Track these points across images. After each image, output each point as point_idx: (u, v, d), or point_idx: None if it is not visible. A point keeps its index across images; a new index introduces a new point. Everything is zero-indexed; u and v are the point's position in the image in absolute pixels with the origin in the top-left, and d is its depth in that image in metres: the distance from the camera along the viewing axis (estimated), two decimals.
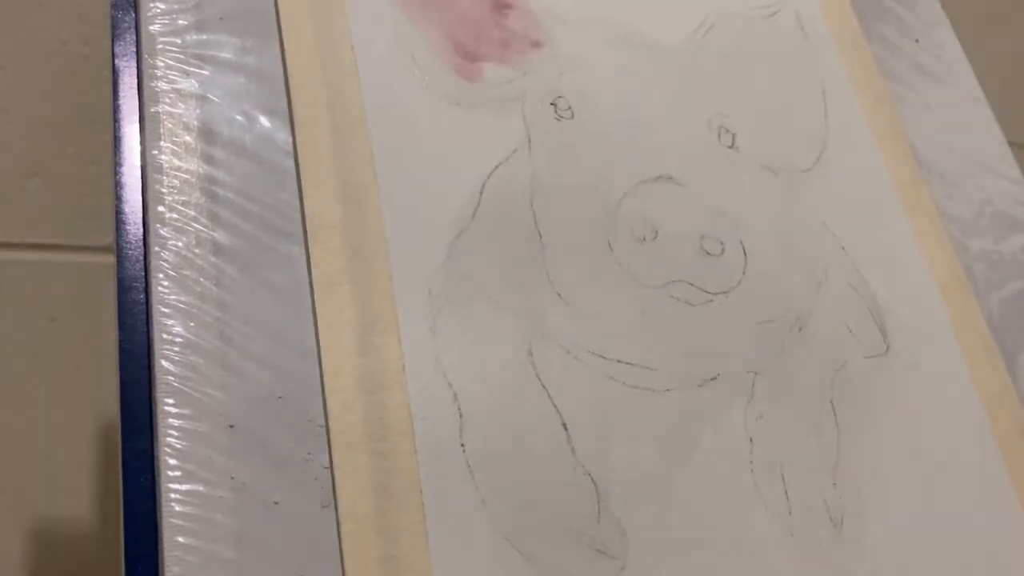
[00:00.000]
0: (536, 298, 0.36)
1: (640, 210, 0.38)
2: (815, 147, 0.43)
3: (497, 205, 0.37)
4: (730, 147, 0.41)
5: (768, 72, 0.44)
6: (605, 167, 0.39)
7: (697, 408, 0.36)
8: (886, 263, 0.41)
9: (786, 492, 0.35)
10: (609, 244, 0.38)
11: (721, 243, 0.39)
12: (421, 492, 0.32)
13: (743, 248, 0.39)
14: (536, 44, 0.41)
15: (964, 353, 0.40)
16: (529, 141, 0.39)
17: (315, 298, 0.34)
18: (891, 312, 0.40)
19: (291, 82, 0.37)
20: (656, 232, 0.38)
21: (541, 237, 0.37)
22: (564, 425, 0.34)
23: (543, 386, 0.34)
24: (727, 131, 0.41)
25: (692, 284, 0.38)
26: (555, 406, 0.34)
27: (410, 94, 0.38)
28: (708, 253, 0.38)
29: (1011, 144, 0.51)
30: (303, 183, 0.36)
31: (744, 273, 0.39)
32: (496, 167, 0.38)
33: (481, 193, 0.37)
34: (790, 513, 0.35)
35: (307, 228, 0.35)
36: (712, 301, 0.38)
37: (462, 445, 0.33)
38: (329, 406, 0.32)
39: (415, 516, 0.31)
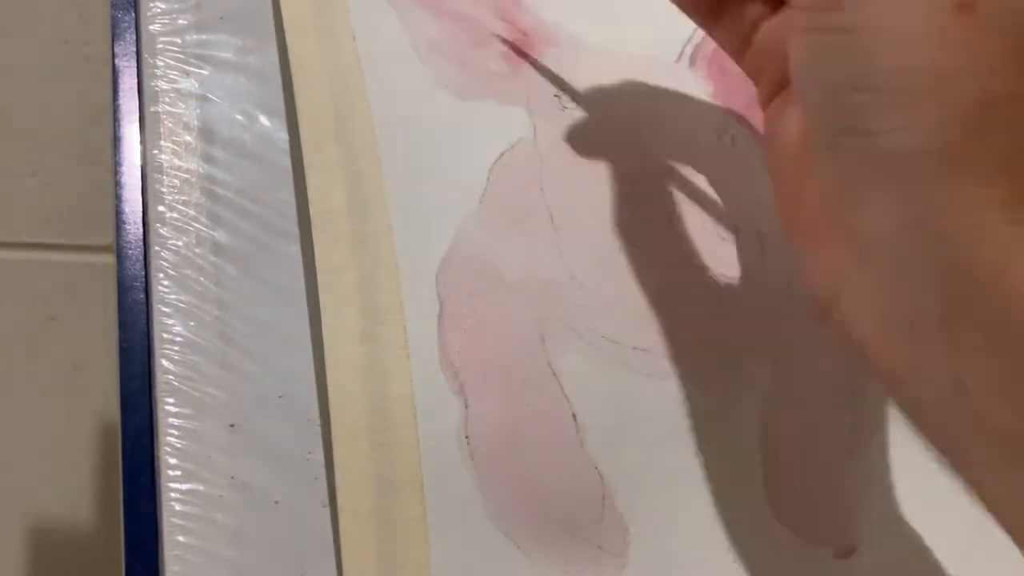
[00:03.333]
0: (550, 281, 0.35)
1: (652, 195, 0.38)
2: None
3: (505, 189, 0.37)
4: (731, 147, 0.41)
5: None
6: (613, 154, 0.39)
7: (714, 398, 0.35)
8: None
9: (795, 487, 0.35)
10: (622, 228, 0.37)
11: (736, 229, 0.38)
12: (423, 486, 0.31)
13: (758, 234, 0.39)
14: (539, 37, 0.41)
15: None
16: (535, 129, 0.39)
17: (318, 284, 0.34)
18: None
19: (294, 69, 0.37)
20: (669, 217, 0.38)
21: (553, 220, 0.37)
22: (574, 416, 0.34)
23: (554, 374, 0.34)
24: (727, 132, 0.40)
25: (709, 269, 0.37)
26: (565, 395, 0.34)
27: (413, 84, 0.38)
28: (723, 239, 0.38)
29: None
30: (307, 169, 0.35)
31: (762, 260, 0.38)
32: (502, 154, 0.38)
33: (488, 178, 0.37)
34: (798, 509, 0.35)
35: (311, 214, 0.35)
36: (732, 287, 0.37)
37: (466, 437, 0.32)
38: (331, 397, 0.32)
39: (416, 511, 0.31)
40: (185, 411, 0.32)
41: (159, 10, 0.39)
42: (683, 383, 0.35)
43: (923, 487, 0.37)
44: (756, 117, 0.43)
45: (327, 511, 0.32)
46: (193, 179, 0.36)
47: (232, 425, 0.32)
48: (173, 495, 0.31)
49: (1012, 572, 0.36)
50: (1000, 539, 0.36)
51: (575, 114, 0.40)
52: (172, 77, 0.38)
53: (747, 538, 0.34)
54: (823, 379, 0.37)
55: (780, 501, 0.35)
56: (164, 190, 0.36)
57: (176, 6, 0.39)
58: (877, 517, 0.35)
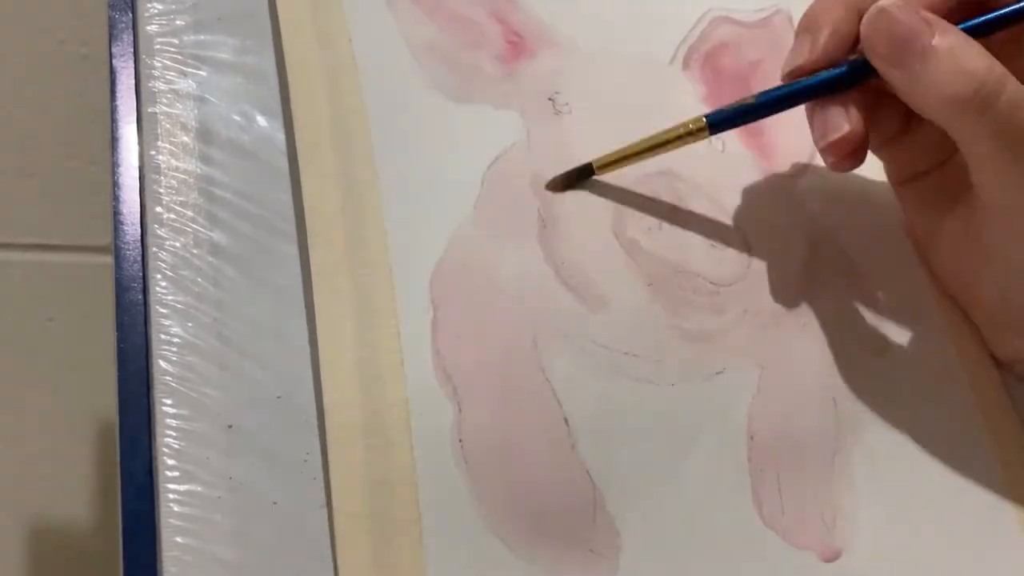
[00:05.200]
0: (542, 287, 0.36)
1: (644, 202, 0.38)
2: (805, 151, 0.43)
3: (498, 194, 0.37)
4: (721, 152, 0.41)
5: (759, 76, 0.44)
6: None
7: (701, 403, 0.35)
8: (885, 265, 0.41)
9: (780, 491, 0.35)
10: (615, 234, 0.37)
11: (725, 236, 0.39)
12: (417, 488, 0.31)
13: (747, 242, 0.39)
14: (534, 41, 0.41)
15: (960, 357, 0.40)
16: (528, 133, 0.39)
17: (313, 288, 0.34)
18: (890, 312, 0.40)
19: (290, 72, 0.37)
20: (661, 223, 0.38)
21: (546, 226, 0.37)
22: (565, 420, 0.34)
23: (546, 379, 0.34)
24: (718, 136, 0.41)
25: (699, 275, 0.38)
26: (557, 400, 0.34)
27: (408, 88, 0.38)
28: (713, 245, 0.38)
29: None
30: (302, 173, 0.35)
31: (749, 267, 0.38)
32: (496, 159, 0.38)
33: (482, 183, 0.37)
34: (783, 513, 0.35)
35: (306, 217, 0.35)
36: (719, 293, 0.38)
37: (460, 440, 0.32)
38: (326, 400, 0.32)
39: (410, 513, 0.31)
40: (183, 412, 0.32)
41: (156, 11, 0.39)
42: (673, 388, 0.36)
43: (908, 491, 0.37)
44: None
45: (325, 512, 0.32)
46: (191, 180, 0.36)
47: (230, 426, 0.32)
48: (171, 496, 0.31)
49: (995, 573, 0.36)
50: (986, 542, 0.36)
51: (569, 118, 0.40)
52: (170, 78, 0.38)
53: (734, 541, 0.34)
54: (808, 384, 0.37)
55: (766, 505, 0.35)
56: (162, 191, 0.36)
57: (173, 7, 0.39)
58: (862, 521, 0.35)
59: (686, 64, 0.43)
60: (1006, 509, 0.37)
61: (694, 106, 0.42)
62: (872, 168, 0.44)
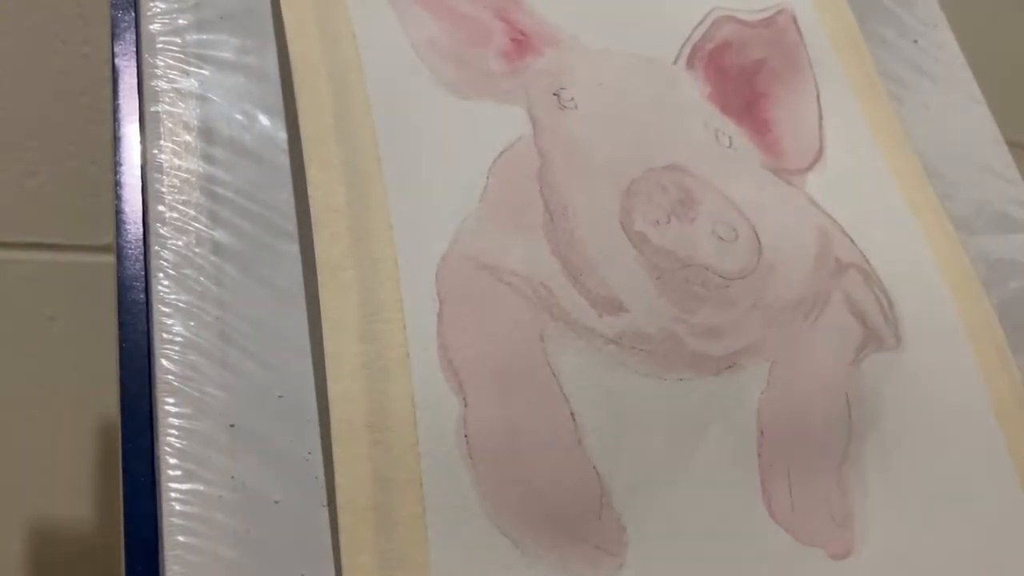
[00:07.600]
0: (549, 281, 0.36)
1: (652, 195, 0.38)
2: (812, 148, 0.43)
3: (504, 188, 0.37)
4: (728, 147, 0.41)
5: (764, 74, 0.44)
6: (613, 153, 0.39)
7: (710, 398, 0.35)
8: (895, 259, 0.41)
9: (790, 488, 0.35)
10: (623, 227, 0.37)
11: (734, 230, 0.38)
12: (422, 485, 0.31)
13: (756, 236, 0.39)
14: (538, 39, 0.41)
15: (975, 352, 0.40)
16: (534, 128, 0.39)
17: (318, 281, 0.34)
18: (902, 307, 0.40)
19: (294, 69, 0.37)
20: (669, 217, 0.38)
21: (552, 219, 0.37)
22: (572, 415, 0.34)
23: (553, 373, 0.34)
24: (723, 133, 0.41)
25: (708, 269, 0.37)
26: (564, 395, 0.34)
27: (412, 83, 0.38)
28: (722, 239, 0.38)
29: (1011, 144, 0.51)
30: (307, 166, 0.35)
31: (759, 261, 0.38)
32: (502, 152, 0.38)
33: (488, 177, 0.37)
34: (793, 509, 0.35)
35: (311, 211, 0.35)
36: (728, 287, 0.37)
37: (465, 436, 0.32)
38: (330, 394, 0.32)
39: (415, 509, 0.31)
40: (185, 411, 0.32)
41: (159, 10, 0.39)
42: (681, 383, 0.35)
43: (920, 491, 0.37)
44: (751, 118, 0.43)
45: (326, 511, 0.32)
46: (193, 179, 0.36)
47: (232, 425, 0.32)
48: (173, 495, 0.31)
49: (1008, 574, 0.36)
50: (999, 544, 0.36)
51: (574, 113, 0.40)
52: (172, 77, 0.38)
53: (743, 538, 0.34)
54: (820, 379, 0.37)
55: (776, 501, 0.35)
56: (164, 190, 0.36)
57: (176, 6, 0.39)
58: (873, 520, 0.35)
59: (690, 63, 0.43)
60: (1021, 511, 0.37)
61: (699, 104, 0.42)
62: (879, 160, 0.44)
